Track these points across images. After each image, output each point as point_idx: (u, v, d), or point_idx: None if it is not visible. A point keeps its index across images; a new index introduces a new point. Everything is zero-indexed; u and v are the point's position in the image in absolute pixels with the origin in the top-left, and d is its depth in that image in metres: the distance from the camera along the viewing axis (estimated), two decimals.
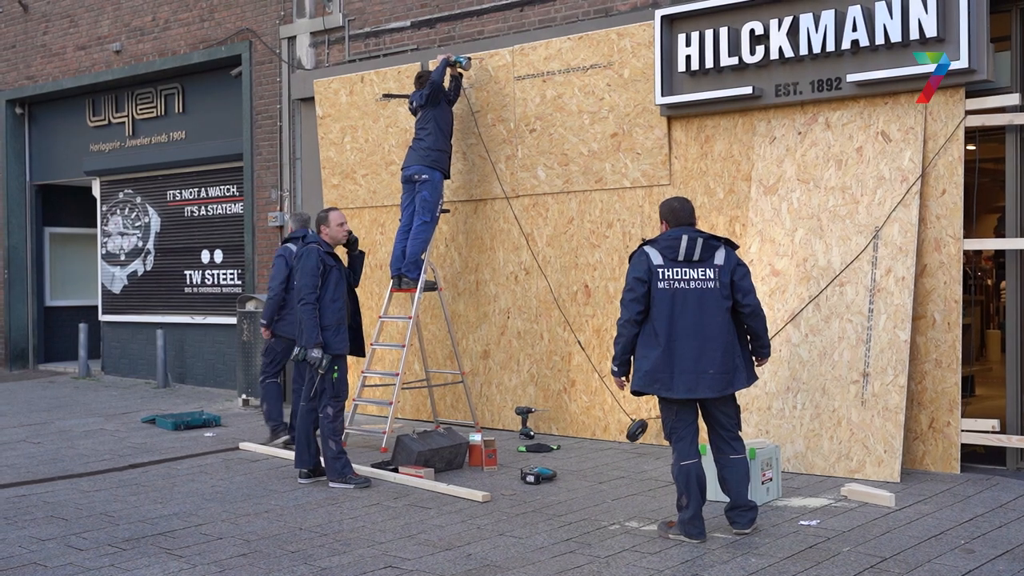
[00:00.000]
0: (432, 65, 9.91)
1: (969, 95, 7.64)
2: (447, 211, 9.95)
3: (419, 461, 7.80)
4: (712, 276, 5.88)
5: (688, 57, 8.67)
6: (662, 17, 8.77)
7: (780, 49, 8.21)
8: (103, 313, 15.12)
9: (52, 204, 16.33)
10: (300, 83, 11.85)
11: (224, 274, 13.51)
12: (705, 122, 8.83)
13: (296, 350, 7.54)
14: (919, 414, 7.64)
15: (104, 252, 15.15)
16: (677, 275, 5.87)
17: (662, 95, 8.79)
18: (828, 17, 7.98)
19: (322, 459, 7.69)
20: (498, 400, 9.98)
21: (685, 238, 5.90)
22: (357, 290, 8.28)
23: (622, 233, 9.21)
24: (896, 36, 7.68)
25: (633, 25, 9.07)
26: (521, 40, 9.88)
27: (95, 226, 15.42)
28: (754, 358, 6.11)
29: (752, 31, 8.34)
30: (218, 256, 13.59)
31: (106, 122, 14.92)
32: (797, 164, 8.28)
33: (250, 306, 11.64)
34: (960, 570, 5.30)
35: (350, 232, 7.99)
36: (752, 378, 6.02)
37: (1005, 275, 8.07)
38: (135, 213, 14.71)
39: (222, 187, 13.54)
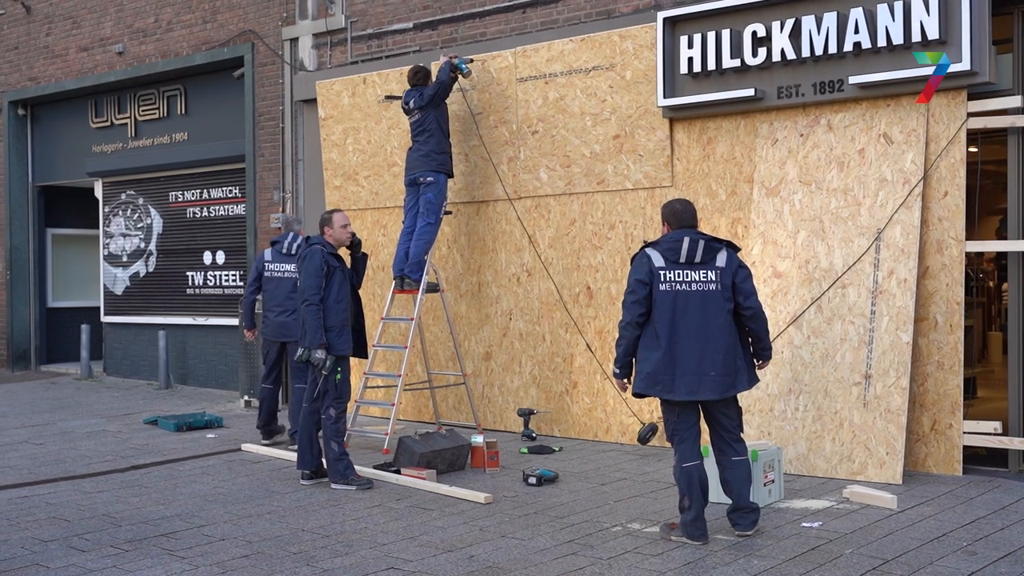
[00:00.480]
0: (435, 67, 9.91)
1: (971, 97, 7.64)
2: (449, 213, 9.95)
3: (421, 463, 7.80)
4: (714, 278, 5.88)
5: (690, 59, 8.67)
6: (664, 19, 8.78)
7: (782, 51, 8.21)
8: (105, 314, 15.13)
9: (54, 205, 16.35)
10: (302, 85, 11.86)
11: (226, 275, 13.51)
12: (707, 124, 8.83)
13: (300, 351, 7.54)
14: (921, 416, 7.64)
15: (106, 253, 15.16)
16: (679, 277, 5.87)
17: (664, 97, 8.80)
18: (830, 19, 7.98)
19: (324, 460, 7.69)
20: (500, 402, 9.98)
21: (687, 240, 5.90)
22: (359, 291, 8.28)
23: (624, 235, 9.21)
24: (898, 38, 7.68)
25: (635, 27, 9.08)
26: (523, 42, 9.89)
27: (97, 227, 15.42)
28: (755, 360, 6.11)
29: (754, 33, 8.35)
30: (220, 257, 13.60)
31: (108, 123, 14.93)
32: (799, 166, 8.28)
33: None
34: (962, 572, 5.30)
35: (353, 234, 8.00)
36: (754, 380, 6.02)
37: (1007, 277, 8.06)
38: (137, 214, 14.72)
39: (224, 188, 13.55)
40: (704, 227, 8.19)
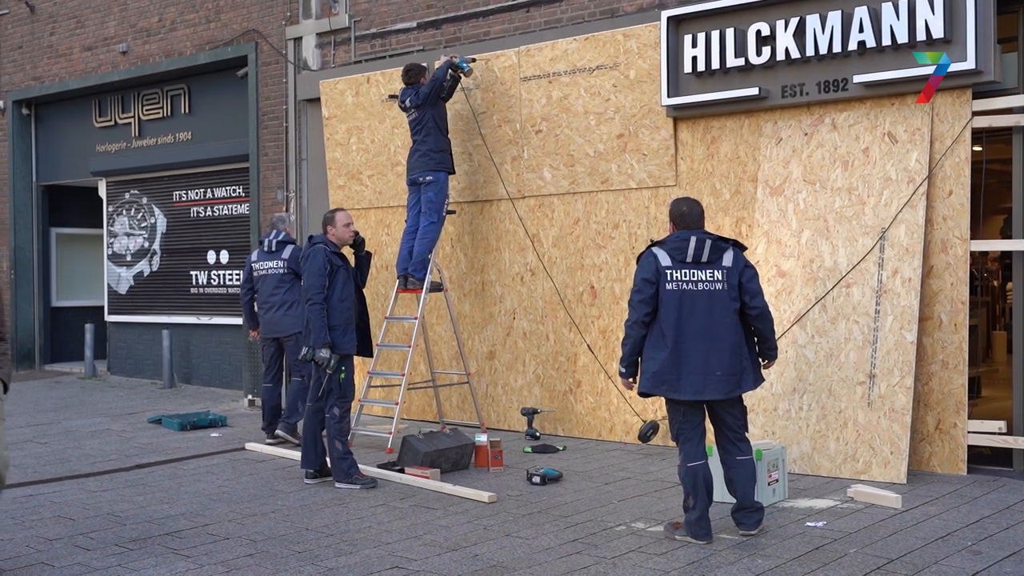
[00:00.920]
0: (436, 65, 9.90)
1: (976, 96, 7.63)
2: (453, 212, 9.95)
3: (425, 462, 7.80)
4: (720, 278, 5.87)
5: (694, 58, 8.66)
6: (668, 18, 8.77)
7: (786, 50, 8.20)
8: (109, 313, 15.14)
9: (58, 205, 16.36)
10: (306, 84, 11.86)
11: (230, 275, 13.52)
12: (711, 123, 8.82)
13: (304, 350, 7.55)
14: (925, 415, 7.63)
15: (110, 252, 15.17)
16: (685, 276, 5.86)
17: (668, 96, 8.79)
18: (835, 18, 7.97)
19: (328, 459, 7.69)
20: (504, 401, 9.98)
21: (693, 239, 5.90)
22: (364, 290, 8.28)
23: (628, 234, 9.20)
24: (903, 37, 7.67)
25: (639, 26, 9.07)
26: (527, 41, 9.88)
27: (101, 227, 15.44)
28: (761, 360, 6.10)
29: (758, 32, 8.34)
30: (224, 257, 13.60)
31: (112, 123, 14.94)
32: (803, 165, 8.27)
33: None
34: (967, 571, 5.30)
35: (356, 233, 8.00)
36: (759, 380, 6.02)
37: (1011, 276, 8.05)
38: (141, 214, 14.73)
39: (228, 188, 13.56)
40: (708, 226, 8.13)
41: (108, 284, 15.18)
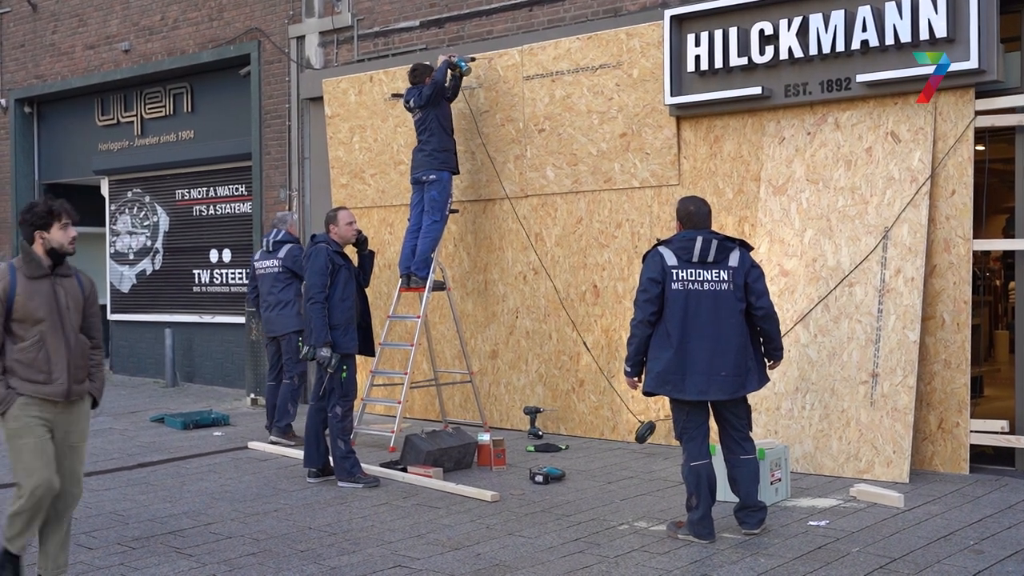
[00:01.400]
0: (437, 64, 9.91)
1: (979, 96, 7.62)
2: (456, 211, 9.95)
3: (428, 460, 7.81)
4: (726, 278, 5.87)
5: (697, 57, 8.66)
6: (671, 17, 8.77)
7: (789, 49, 8.20)
8: (112, 312, 15.14)
9: None
10: (309, 83, 11.86)
11: (232, 273, 13.53)
12: (714, 122, 8.82)
13: (305, 349, 7.55)
14: (928, 415, 7.63)
15: (112, 251, 15.18)
16: (691, 276, 5.86)
17: (671, 95, 8.79)
18: (838, 17, 7.97)
19: (331, 458, 7.70)
20: (506, 400, 9.98)
21: (700, 239, 5.89)
22: (367, 289, 8.28)
23: (631, 233, 9.20)
24: (906, 36, 7.66)
25: (642, 25, 9.07)
26: (530, 40, 9.88)
27: (104, 225, 15.45)
28: (766, 360, 6.10)
29: (761, 31, 8.33)
30: (226, 255, 13.61)
31: (115, 121, 14.95)
32: (806, 164, 8.27)
33: None
34: (969, 571, 5.30)
35: (359, 231, 8.00)
36: (764, 380, 6.01)
37: (1014, 275, 8.05)
38: (143, 212, 14.74)
39: (230, 186, 13.56)
40: (711, 225, 8.17)
41: (111, 283, 15.18)
